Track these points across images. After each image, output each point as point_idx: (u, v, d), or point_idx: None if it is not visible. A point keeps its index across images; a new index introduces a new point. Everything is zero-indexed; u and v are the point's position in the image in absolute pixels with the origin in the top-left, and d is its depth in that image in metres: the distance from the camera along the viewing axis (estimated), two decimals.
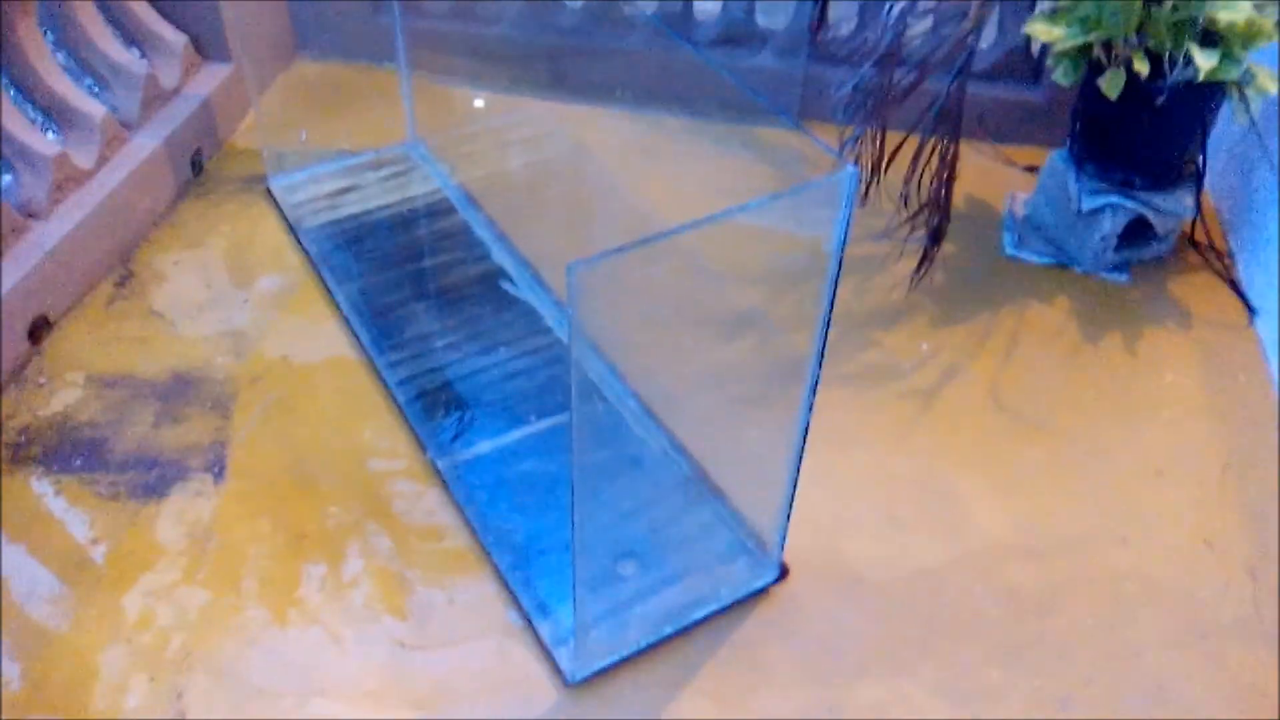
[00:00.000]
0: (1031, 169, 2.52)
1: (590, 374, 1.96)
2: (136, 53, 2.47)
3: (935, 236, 2.08)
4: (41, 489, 1.76)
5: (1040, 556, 1.70)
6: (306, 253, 2.25)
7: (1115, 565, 1.69)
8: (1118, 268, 2.26)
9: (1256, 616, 1.61)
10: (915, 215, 2.07)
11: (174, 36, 2.48)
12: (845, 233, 1.22)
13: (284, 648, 1.53)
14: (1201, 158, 2.22)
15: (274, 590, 1.61)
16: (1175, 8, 1.94)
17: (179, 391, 1.94)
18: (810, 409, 1.41)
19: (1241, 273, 2.26)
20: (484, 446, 1.83)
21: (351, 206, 2.38)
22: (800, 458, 1.47)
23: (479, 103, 2.77)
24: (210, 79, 2.54)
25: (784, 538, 1.59)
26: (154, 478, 1.78)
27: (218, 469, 1.80)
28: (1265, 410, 1.96)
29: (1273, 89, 1.98)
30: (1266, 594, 1.64)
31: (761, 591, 1.62)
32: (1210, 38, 1.97)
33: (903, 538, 1.73)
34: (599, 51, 2.78)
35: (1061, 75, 2.08)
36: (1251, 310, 2.17)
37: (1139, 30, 1.96)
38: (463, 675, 1.50)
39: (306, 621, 1.57)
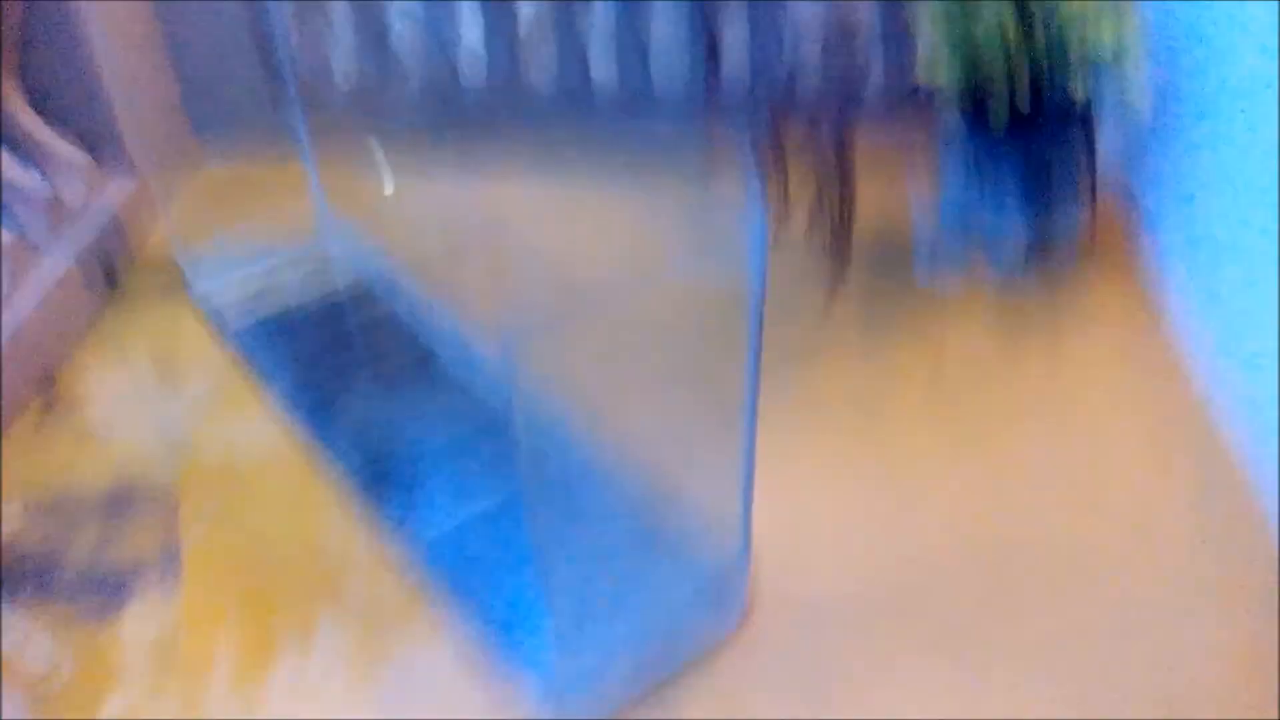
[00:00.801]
0: (931, 198, 2.64)
1: (538, 431, 1.99)
2: (37, 174, 2.45)
3: (840, 267, 2.16)
4: None
5: (990, 550, 1.76)
6: (235, 353, 2.24)
7: (1067, 557, 1.76)
8: (1027, 283, 2.38)
9: (1197, 597, 1.70)
10: (824, 248, 2.15)
11: (74, 154, 2.47)
12: (762, 269, 1.27)
13: None
14: (1093, 171, 2.36)
15: (245, 697, 1.59)
16: (1049, 37, 2.07)
17: (121, 506, 1.91)
18: (752, 434, 1.45)
19: (1143, 274, 2.39)
20: (442, 523, 1.84)
21: (275, 304, 2.39)
22: (750, 497, 1.52)
23: (389, 189, 2.81)
24: (116, 192, 2.53)
25: (746, 579, 1.63)
26: (107, 596, 1.75)
27: (171, 580, 1.77)
28: (1187, 401, 2.07)
29: (1145, 103, 2.13)
30: (1210, 567, 1.73)
31: (731, 630, 1.65)
32: (1084, 61, 2.11)
33: (857, 546, 1.77)
34: (503, 126, 2.84)
35: (950, 110, 2.20)
36: (1158, 308, 2.30)
37: (1017, 61, 2.09)
38: None
39: None
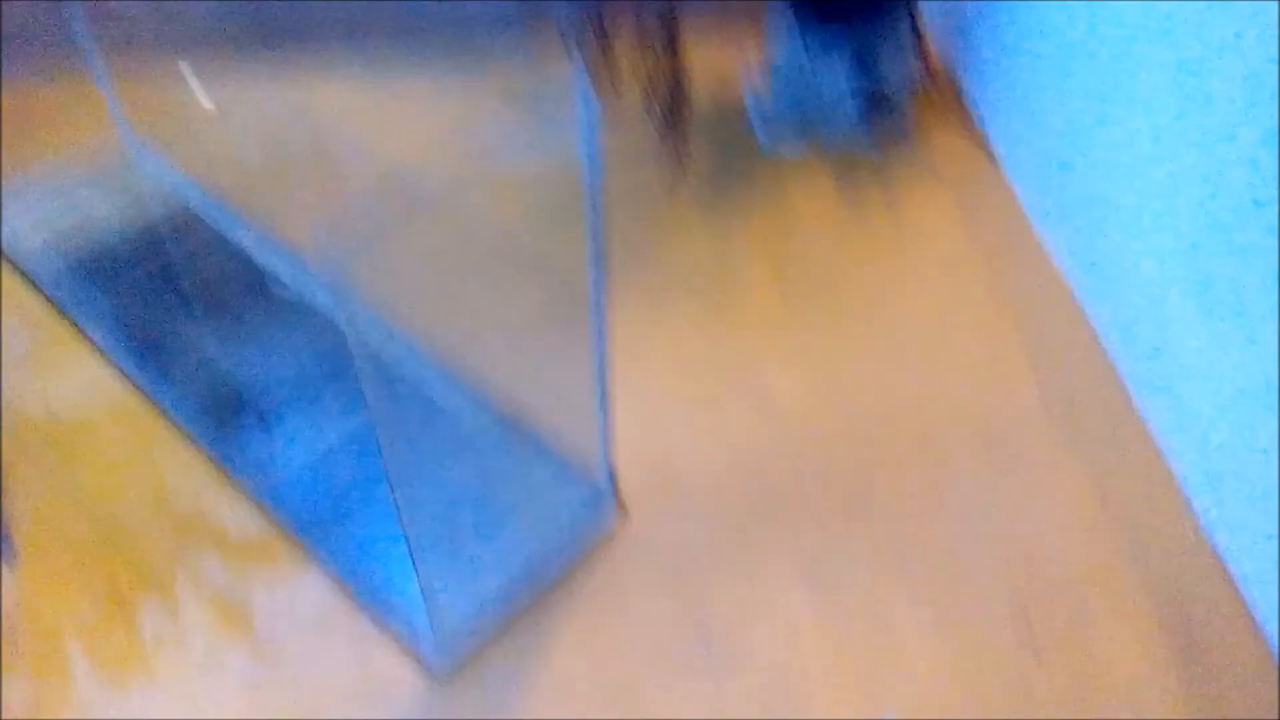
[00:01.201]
0: (761, 50, 2.56)
1: (383, 354, 1.90)
2: None
3: (682, 140, 2.09)
4: None
5: (847, 419, 1.78)
6: (48, 297, 2.07)
7: (923, 415, 1.79)
8: (866, 143, 2.36)
9: (1045, 417, 1.75)
10: (663, 121, 2.08)
11: None
12: (592, 147, 1.20)
13: (133, 716, 1.44)
14: (919, 26, 2.33)
15: (106, 659, 1.51)
16: None
17: None
18: (603, 322, 1.40)
19: (981, 123, 2.40)
20: (292, 455, 1.75)
21: (88, 242, 2.20)
22: (607, 392, 1.48)
23: (207, 104, 2.60)
24: None
25: (612, 476, 1.60)
26: None
27: (6, 553, 1.65)
28: (1027, 247, 2.11)
29: None
30: (1049, 385, 1.78)
31: (602, 530, 1.63)
32: None
33: (720, 435, 1.77)
34: (312, 10, 2.64)
35: None
36: (994, 158, 2.32)
37: None
38: (329, 696, 1.45)
39: (149, 683, 1.48)
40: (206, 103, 2.59)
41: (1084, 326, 1.93)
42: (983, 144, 2.36)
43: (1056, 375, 1.85)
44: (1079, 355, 1.89)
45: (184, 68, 2.55)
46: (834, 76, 2.27)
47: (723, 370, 1.89)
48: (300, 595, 1.57)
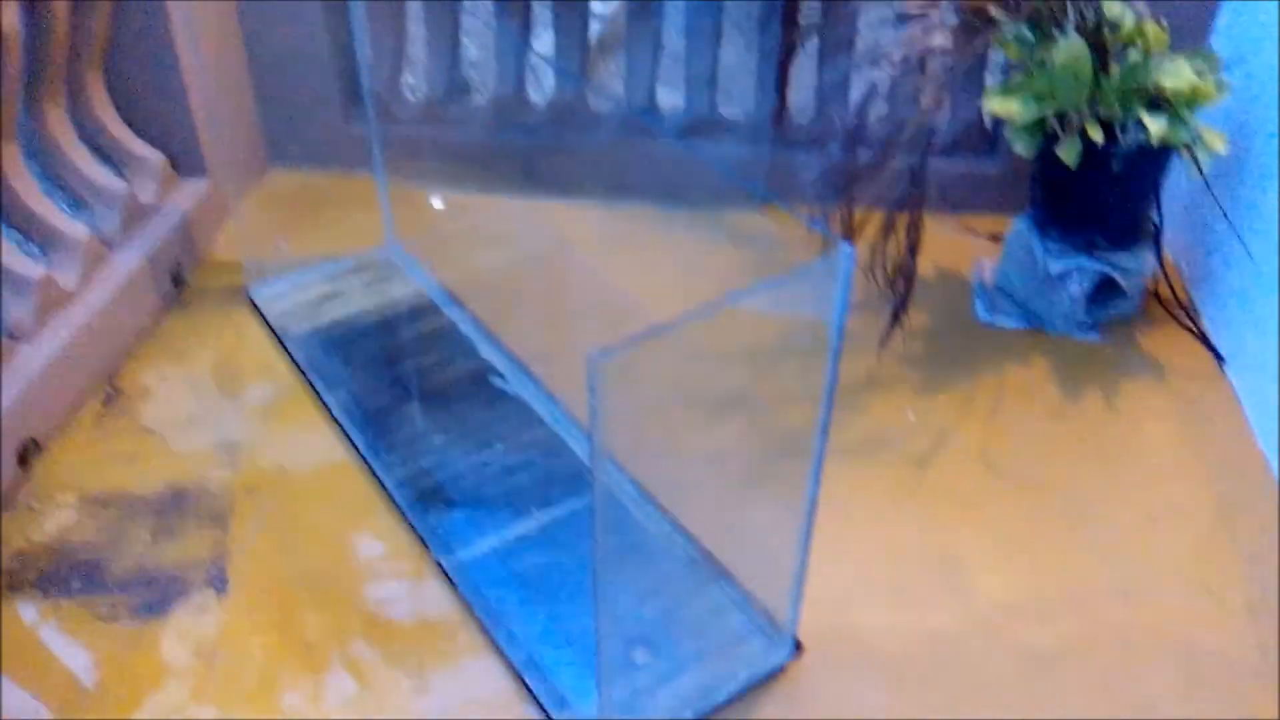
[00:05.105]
0: (995, 238, 2.60)
1: (587, 462, 1.98)
2: (112, 171, 2.50)
3: (903, 302, 2.13)
4: (38, 616, 1.73)
5: (1046, 614, 1.72)
6: (294, 360, 2.26)
7: (1119, 618, 1.71)
8: (1088, 327, 2.33)
9: (1262, 661, 1.64)
10: (886, 283, 2.12)
11: (150, 154, 2.51)
12: (844, 308, 1.26)
13: None
14: (1158, 216, 2.31)
15: (278, 710, 1.59)
16: (1123, 77, 2.04)
17: (175, 506, 1.92)
18: (817, 483, 1.43)
19: (1207, 323, 2.34)
20: (487, 542, 1.83)
21: (336, 311, 2.40)
22: (810, 533, 1.49)
23: (438, 204, 2.82)
24: (187, 195, 2.57)
25: (797, 614, 1.60)
26: (155, 595, 1.76)
27: (219, 583, 1.78)
28: (1246, 454, 2.02)
29: (1220, 148, 2.08)
30: (1268, 637, 1.67)
31: (778, 670, 1.62)
32: (1158, 103, 2.07)
33: (912, 605, 1.74)
34: (568, 147, 2.85)
35: (1021, 147, 2.16)
36: (1220, 359, 2.24)
37: (1091, 100, 2.06)
38: None
39: None
40: (439, 203, 2.82)
41: None
42: (1209, 343, 2.29)
43: (1270, 596, 1.74)
44: None
45: (434, 168, 2.79)
46: (1064, 257, 2.27)
47: (918, 538, 1.87)
48: (474, 679, 1.62)
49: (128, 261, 2.32)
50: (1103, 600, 1.74)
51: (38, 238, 2.22)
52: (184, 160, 2.59)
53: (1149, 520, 1.89)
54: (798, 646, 1.64)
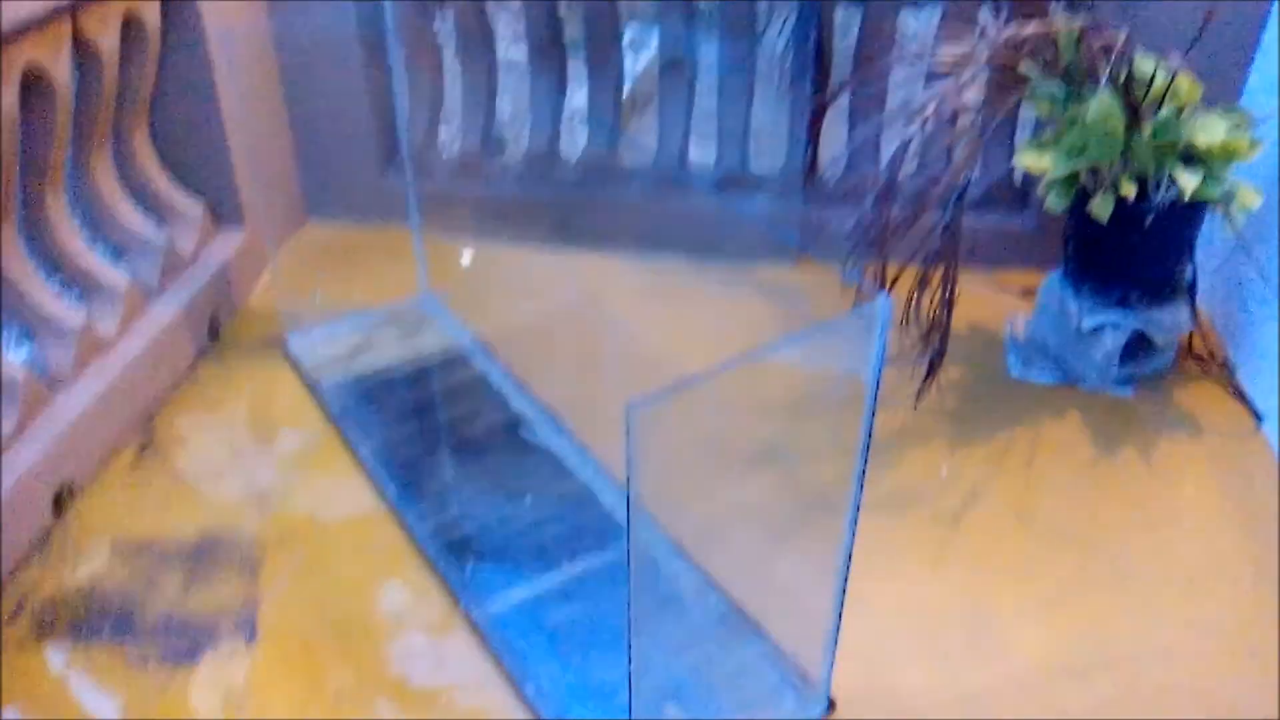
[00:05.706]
0: (1028, 292, 2.59)
1: (616, 514, 1.97)
2: (153, 220, 2.54)
3: (938, 356, 2.12)
4: (68, 662, 1.73)
5: (1084, 675, 1.69)
6: (327, 410, 2.27)
7: (1160, 679, 1.68)
8: (1122, 382, 2.31)
9: None
10: (919, 337, 2.11)
11: (191, 206, 2.56)
12: (881, 362, 1.26)
13: None
14: (1192, 271, 2.30)
15: None
16: (1156, 133, 2.04)
17: (206, 554, 1.93)
18: (853, 537, 1.42)
19: (1243, 380, 2.31)
20: (517, 594, 1.82)
21: (369, 362, 2.43)
22: (844, 589, 1.47)
23: (465, 260, 2.85)
24: (225, 245, 2.61)
25: (830, 670, 1.58)
26: (185, 643, 1.76)
27: (249, 631, 1.78)
28: None
29: (1254, 203, 2.07)
30: None
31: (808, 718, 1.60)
32: (1191, 158, 2.07)
33: (946, 664, 1.71)
34: (600, 202, 2.88)
35: (1053, 202, 2.16)
36: (1257, 416, 2.21)
37: (1124, 156, 2.06)
38: None
39: None
40: (467, 259, 2.84)
41: None
42: (1246, 400, 2.26)
43: None
44: None
45: (464, 252, 2.83)
46: (1097, 312, 2.26)
47: (952, 595, 1.85)
48: None
49: (166, 311, 2.35)
50: (1143, 662, 1.71)
51: (79, 286, 2.26)
52: (223, 210, 2.64)
53: (1188, 580, 1.85)
54: (831, 704, 1.61)
